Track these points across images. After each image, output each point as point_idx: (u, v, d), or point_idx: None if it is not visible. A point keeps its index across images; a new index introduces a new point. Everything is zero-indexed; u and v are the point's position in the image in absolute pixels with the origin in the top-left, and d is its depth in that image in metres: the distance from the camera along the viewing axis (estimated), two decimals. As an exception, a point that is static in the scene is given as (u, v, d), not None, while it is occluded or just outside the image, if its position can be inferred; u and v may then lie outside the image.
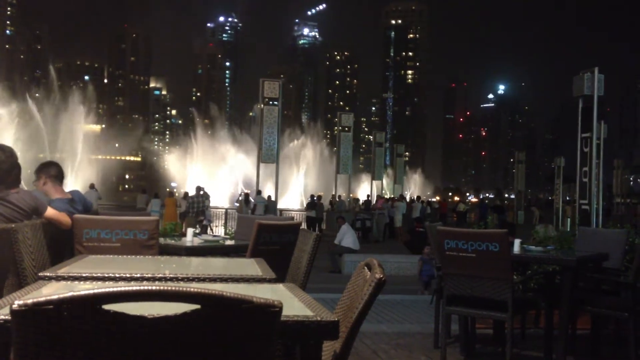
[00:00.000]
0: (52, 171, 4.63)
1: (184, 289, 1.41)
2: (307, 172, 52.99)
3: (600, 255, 4.93)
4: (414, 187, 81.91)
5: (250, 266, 3.16)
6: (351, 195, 33.23)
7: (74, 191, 4.89)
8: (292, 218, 9.27)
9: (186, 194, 25.57)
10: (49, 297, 1.31)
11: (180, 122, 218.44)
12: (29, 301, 1.30)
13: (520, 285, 5.21)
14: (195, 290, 1.41)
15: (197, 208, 21.55)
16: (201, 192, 22.11)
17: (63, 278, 2.62)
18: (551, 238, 5.27)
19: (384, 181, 40.23)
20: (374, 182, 37.09)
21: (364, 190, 48.58)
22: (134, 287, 1.39)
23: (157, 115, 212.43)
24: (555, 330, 4.65)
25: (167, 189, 33.13)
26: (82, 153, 46.97)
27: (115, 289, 1.37)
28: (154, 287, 1.41)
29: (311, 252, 4.09)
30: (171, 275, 2.71)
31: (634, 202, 42.64)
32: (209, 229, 20.97)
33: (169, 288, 1.41)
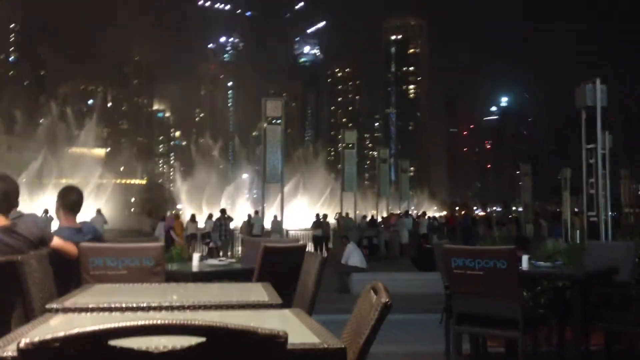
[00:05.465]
0: (67, 200, 4.64)
1: (189, 322, 1.41)
2: (312, 190, 52.99)
3: (610, 269, 4.89)
4: (420, 202, 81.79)
5: (256, 291, 3.16)
6: (357, 211, 33.18)
7: (85, 223, 4.88)
8: (298, 240, 9.26)
9: (193, 216, 25.74)
10: (55, 335, 1.31)
11: (184, 143, 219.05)
12: (36, 339, 1.31)
13: (531, 302, 5.17)
14: (200, 323, 1.41)
15: (223, 231, 22.32)
16: (225, 215, 22.87)
17: (70, 310, 2.62)
18: (560, 252, 5.24)
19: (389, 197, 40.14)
20: (379, 198, 37.00)
21: (370, 206, 48.49)
22: (139, 322, 1.39)
23: (161, 137, 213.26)
24: (568, 347, 4.60)
25: (173, 212, 33.14)
26: (87, 177, 47.14)
27: (120, 325, 1.37)
28: (159, 322, 1.41)
29: (317, 275, 4.07)
30: (177, 304, 2.70)
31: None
32: (216, 251, 21.07)
33: (174, 322, 1.41)
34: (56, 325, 2.27)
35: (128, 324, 1.37)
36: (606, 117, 10.52)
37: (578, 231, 17.77)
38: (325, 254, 23.11)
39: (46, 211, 23.06)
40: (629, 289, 5.07)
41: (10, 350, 1.68)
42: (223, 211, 24.22)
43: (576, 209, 25.86)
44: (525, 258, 4.73)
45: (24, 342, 1.31)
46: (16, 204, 4.10)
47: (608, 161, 9.71)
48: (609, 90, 10.89)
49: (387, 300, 2.07)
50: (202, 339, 1.40)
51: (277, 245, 4.87)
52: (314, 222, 26.98)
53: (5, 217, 3.96)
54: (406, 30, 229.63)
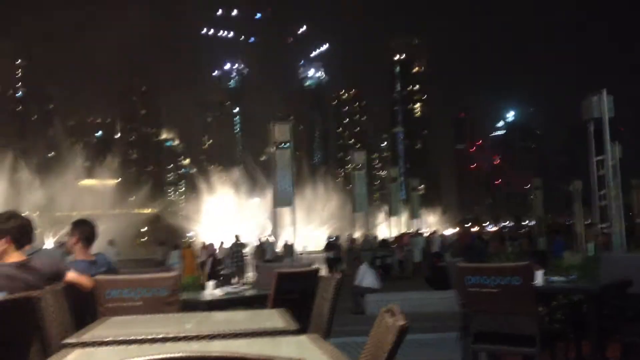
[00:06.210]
0: (81, 232, 4.68)
1: (207, 353, 1.42)
2: (323, 212, 52.91)
3: (625, 282, 4.86)
4: (431, 220, 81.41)
5: (272, 317, 3.15)
6: (369, 231, 33.13)
7: (100, 254, 4.92)
8: (311, 264, 9.24)
9: (204, 243, 25.83)
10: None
11: (193, 171, 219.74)
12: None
13: (547, 317, 5.13)
14: (217, 353, 1.42)
15: (236, 257, 22.50)
16: (239, 242, 23.07)
17: (88, 344, 2.63)
18: (574, 266, 5.21)
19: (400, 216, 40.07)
20: (391, 218, 36.94)
21: (382, 226, 48.39)
22: (159, 355, 1.40)
23: (170, 166, 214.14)
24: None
25: (184, 240, 33.16)
26: (98, 209, 47.34)
27: (140, 359, 1.38)
28: (178, 354, 1.42)
29: (332, 298, 4.07)
30: (194, 334, 2.70)
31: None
32: (230, 277, 21.07)
33: (192, 354, 1.42)
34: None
35: (147, 357, 1.39)
36: (615, 127, 10.49)
37: (593, 243, 17.63)
38: (338, 275, 22.99)
39: (60, 244, 23.13)
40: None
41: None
42: (236, 237, 24.30)
43: (588, 221, 25.67)
44: (539, 273, 4.71)
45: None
46: (30, 240, 4.15)
47: (619, 172, 9.68)
48: (616, 100, 10.86)
49: (403, 323, 2.07)
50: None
51: (290, 271, 4.87)
52: (327, 244, 26.94)
53: (20, 253, 4.00)
54: (410, 50, 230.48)
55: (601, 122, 10.38)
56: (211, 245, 24.94)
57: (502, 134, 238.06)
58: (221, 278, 21.28)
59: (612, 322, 4.79)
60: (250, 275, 21.60)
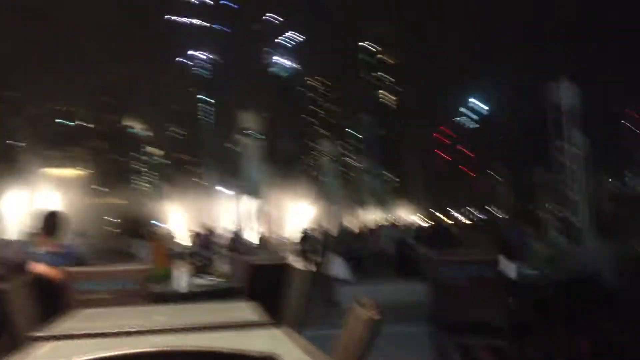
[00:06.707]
0: (46, 222, 4.62)
1: (180, 347, 1.41)
2: (294, 203, 52.84)
3: (593, 274, 4.94)
4: (402, 210, 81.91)
5: (246, 310, 3.14)
6: (342, 222, 33.27)
7: (67, 246, 4.85)
8: (284, 256, 9.23)
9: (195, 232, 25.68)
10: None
11: (160, 160, 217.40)
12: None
13: (517, 308, 5.20)
14: (192, 347, 1.41)
15: (209, 248, 22.31)
16: (211, 232, 22.76)
17: (56, 338, 2.58)
18: (544, 258, 5.28)
19: (372, 207, 40.28)
20: (364, 209, 37.13)
21: (351, 217, 48.61)
22: (131, 349, 1.37)
23: (136, 155, 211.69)
24: (555, 353, 4.63)
25: (154, 230, 32.76)
26: (65, 198, 46.53)
27: (109, 354, 1.35)
28: (150, 349, 1.39)
29: (306, 290, 4.06)
30: (167, 327, 2.67)
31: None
32: (203, 269, 20.94)
33: (166, 348, 1.40)
34: (43, 355, 2.24)
35: (120, 352, 1.36)
36: (580, 116, 10.66)
37: (558, 233, 17.94)
38: (312, 267, 23.03)
39: (27, 236, 22.67)
40: (613, 293, 5.11)
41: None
42: (209, 229, 24.07)
43: (559, 213, 26.09)
44: (510, 265, 4.76)
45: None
46: None
47: (583, 162, 9.86)
48: (582, 90, 11.04)
49: (377, 317, 2.07)
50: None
51: (263, 263, 4.85)
52: (301, 236, 26.90)
53: None
54: (381, 38, 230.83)
55: (564, 110, 10.57)
56: (205, 234, 24.81)
57: (469, 122, 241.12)
58: (194, 270, 21.14)
59: (582, 314, 4.87)
60: (223, 267, 21.48)
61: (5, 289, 3.37)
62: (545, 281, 4.93)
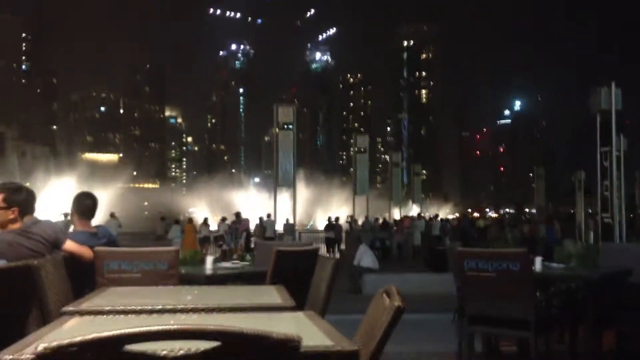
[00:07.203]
0: (82, 205, 4.72)
1: (204, 327, 1.42)
2: (324, 194, 53.02)
3: (623, 271, 4.87)
4: (432, 205, 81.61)
5: (270, 293, 3.17)
6: (369, 214, 33.25)
7: (101, 226, 4.96)
8: (311, 243, 9.26)
9: (206, 219, 26.00)
10: (72, 340, 1.33)
11: (196, 148, 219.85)
12: (54, 344, 1.32)
13: (544, 302, 5.15)
14: (214, 327, 1.42)
15: (236, 234, 22.79)
16: (239, 219, 23.32)
17: (86, 312, 2.65)
18: (574, 255, 5.22)
19: (402, 200, 40.13)
20: (392, 201, 37.01)
21: (382, 209, 48.60)
22: (154, 327, 1.40)
23: (173, 143, 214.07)
24: (580, 347, 4.59)
25: (187, 215, 33.26)
26: (101, 182, 47.46)
27: (136, 330, 1.38)
28: (173, 327, 1.42)
29: (330, 278, 4.08)
30: (192, 306, 2.71)
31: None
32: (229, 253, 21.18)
33: (189, 327, 1.42)
34: (72, 329, 2.29)
35: (144, 329, 1.39)
36: (621, 120, 10.48)
37: (592, 232, 17.65)
38: (337, 255, 23.15)
39: (65, 215, 23.13)
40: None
41: (27, 354, 1.70)
42: (238, 214, 24.49)
43: (589, 210, 25.66)
44: (538, 260, 4.72)
45: (42, 346, 1.32)
46: (33, 211, 4.20)
47: (623, 163, 9.67)
48: (623, 93, 10.82)
49: (399, 304, 2.07)
50: (216, 343, 1.41)
51: (289, 249, 4.88)
52: (327, 225, 27.02)
53: (20, 222, 4.06)
54: (418, 36, 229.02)
55: (609, 115, 10.36)
56: (246, 220, 25.24)
57: (507, 123, 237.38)
58: (220, 254, 21.42)
59: (609, 311, 4.81)
60: (250, 252, 21.71)
61: (37, 265, 3.46)
62: (572, 276, 4.87)
